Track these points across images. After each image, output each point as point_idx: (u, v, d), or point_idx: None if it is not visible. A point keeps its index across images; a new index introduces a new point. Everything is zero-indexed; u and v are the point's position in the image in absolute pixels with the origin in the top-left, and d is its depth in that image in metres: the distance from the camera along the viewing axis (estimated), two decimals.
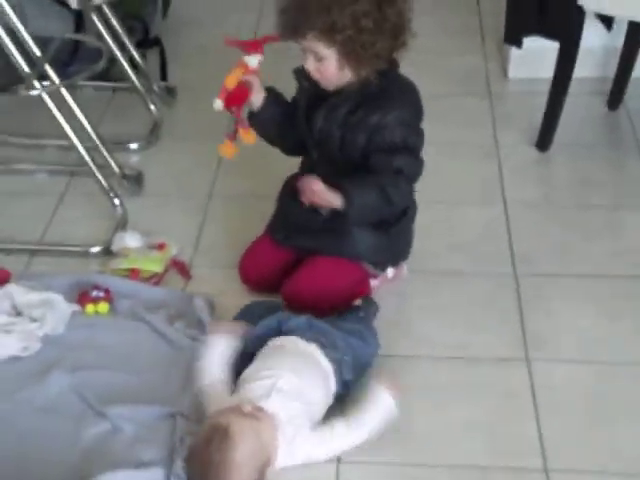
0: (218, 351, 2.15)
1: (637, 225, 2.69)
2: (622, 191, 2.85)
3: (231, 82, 2.29)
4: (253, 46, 2.31)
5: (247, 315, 2.28)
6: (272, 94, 2.37)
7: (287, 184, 2.49)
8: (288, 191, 2.45)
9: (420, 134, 2.34)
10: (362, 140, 2.27)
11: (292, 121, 2.38)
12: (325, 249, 2.36)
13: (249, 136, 2.37)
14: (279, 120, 2.39)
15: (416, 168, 2.32)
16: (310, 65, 2.24)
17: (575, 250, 2.59)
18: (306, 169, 2.42)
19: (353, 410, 2.06)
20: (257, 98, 2.34)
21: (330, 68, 2.22)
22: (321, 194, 2.23)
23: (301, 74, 2.33)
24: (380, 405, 2.06)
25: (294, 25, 2.19)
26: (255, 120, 2.38)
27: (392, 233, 2.34)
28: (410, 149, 2.30)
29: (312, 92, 2.32)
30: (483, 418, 2.12)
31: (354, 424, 2.03)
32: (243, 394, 2.03)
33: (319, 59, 2.22)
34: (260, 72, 2.33)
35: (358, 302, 2.31)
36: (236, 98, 2.31)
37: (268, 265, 2.43)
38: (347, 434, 2.02)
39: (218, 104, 2.29)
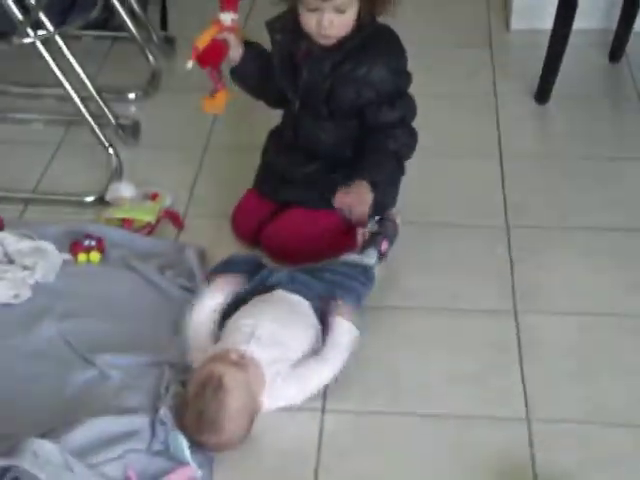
0: (210, 303, 2.14)
1: (635, 177, 2.66)
2: (621, 143, 2.82)
3: (202, 41, 2.26)
4: (227, 3, 2.29)
5: (227, 267, 2.26)
6: (251, 49, 2.34)
7: (271, 137, 2.48)
8: (272, 145, 2.44)
9: (408, 74, 2.35)
10: (351, 93, 2.26)
11: (272, 74, 2.35)
12: (310, 201, 2.35)
13: (219, 98, 2.36)
14: (259, 74, 2.36)
15: (413, 107, 2.36)
16: (326, 19, 2.19)
17: (569, 203, 2.56)
18: (288, 122, 2.41)
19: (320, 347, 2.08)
20: (234, 54, 2.32)
21: (349, 19, 2.20)
22: (365, 210, 2.25)
23: (274, 27, 2.32)
24: (341, 333, 2.08)
25: None
26: (235, 76, 2.37)
27: (379, 186, 2.31)
28: (404, 93, 2.33)
29: (284, 46, 2.30)
30: (470, 369, 2.11)
31: (323, 358, 2.05)
32: (225, 341, 2.03)
33: (342, 10, 2.19)
34: (239, 28, 2.31)
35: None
36: (209, 57, 2.29)
37: (256, 217, 2.41)
38: (321, 369, 2.04)
39: (189, 64, 2.26)
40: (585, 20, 2.98)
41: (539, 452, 1.92)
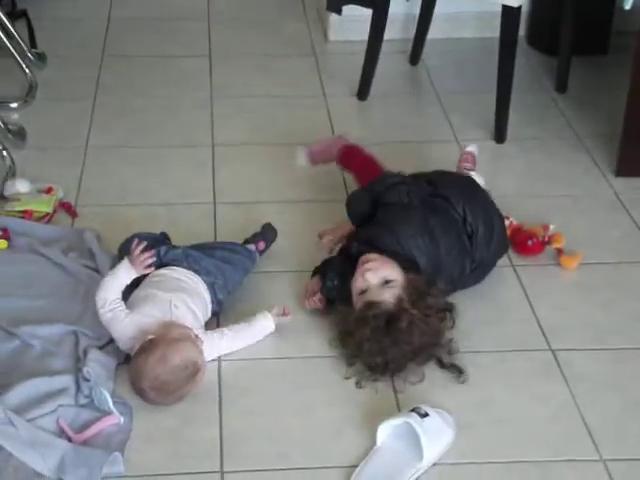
0: (121, 280, 2.04)
1: (438, 156, 2.74)
2: (425, 130, 2.95)
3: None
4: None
5: (127, 247, 2.20)
6: None
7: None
8: None
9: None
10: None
11: None
12: None
13: None
14: None
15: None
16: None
17: None
18: None
19: (241, 322, 2.10)
20: None
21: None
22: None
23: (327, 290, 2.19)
24: (263, 325, 2.10)
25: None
26: None
27: None
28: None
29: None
30: (330, 318, 2.17)
31: (239, 333, 2.08)
32: (148, 313, 2.01)
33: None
34: None
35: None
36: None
37: None
38: (234, 338, 2.07)
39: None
40: (389, 32, 3.07)
41: None
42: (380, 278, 2.04)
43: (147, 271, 2.06)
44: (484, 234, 2.18)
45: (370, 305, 2.01)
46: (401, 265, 2.07)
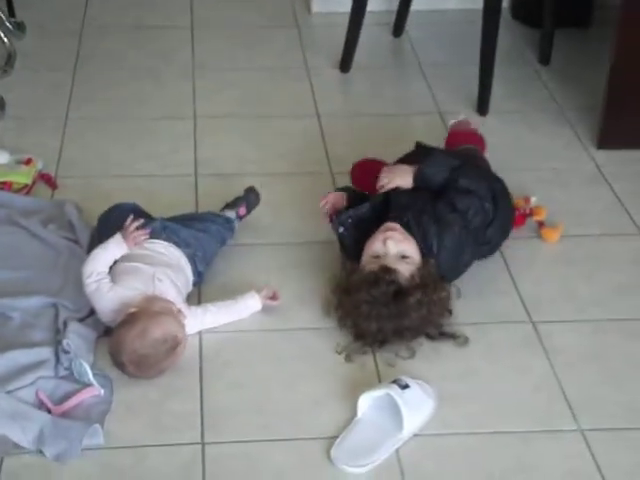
0: (111, 254, 2.03)
1: (421, 128, 2.73)
2: (407, 102, 2.92)
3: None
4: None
5: (113, 212, 2.20)
6: None
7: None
8: None
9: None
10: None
11: None
12: None
13: None
14: None
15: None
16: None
17: (375, 148, 2.55)
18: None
19: (228, 299, 2.08)
20: None
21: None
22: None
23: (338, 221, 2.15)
24: (249, 305, 2.09)
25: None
26: None
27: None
28: None
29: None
30: (313, 291, 2.17)
31: (223, 309, 2.06)
32: (131, 286, 1.99)
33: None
34: None
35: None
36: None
37: None
38: (217, 313, 2.06)
39: None
40: (372, 3, 3.05)
41: None
42: (399, 250, 2.01)
43: (137, 248, 2.04)
44: (497, 243, 2.21)
45: (386, 270, 1.97)
46: (421, 250, 2.05)
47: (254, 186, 2.34)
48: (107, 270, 2.01)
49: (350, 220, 2.13)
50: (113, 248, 2.02)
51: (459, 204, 2.09)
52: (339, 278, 2.07)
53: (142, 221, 2.05)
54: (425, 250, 2.05)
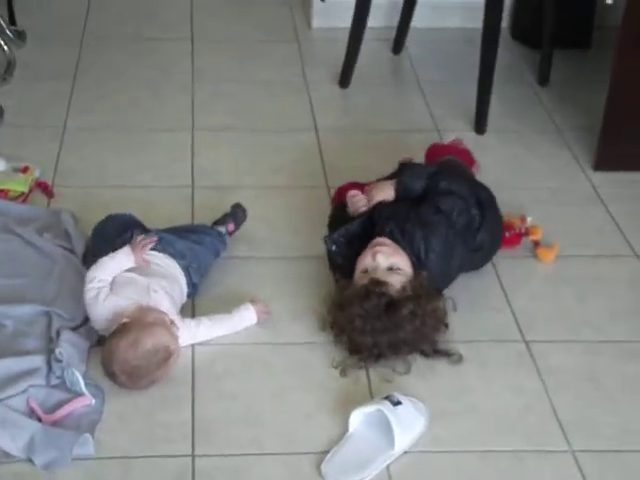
0: (118, 263, 2.03)
1: (419, 145, 2.68)
2: (405, 119, 2.93)
3: None
4: None
5: (102, 230, 2.21)
6: None
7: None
8: None
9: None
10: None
11: None
12: None
13: None
14: None
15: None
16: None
17: (372, 164, 2.55)
18: None
19: (223, 312, 2.08)
20: None
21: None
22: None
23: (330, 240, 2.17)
24: (244, 318, 2.09)
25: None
26: None
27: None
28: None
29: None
30: (307, 305, 2.17)
31: (217, 322, 2.06)
32: (126, 296, 1.99)
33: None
34: None
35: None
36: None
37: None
38: (211, 326, 2.05)
39: None
40: (372, 19, 3.06)
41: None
42: (390, 263, 2.02)
43: (143, 263, 2.04)
44: (490, 249, 2.22)
45: (376, 282, 1.98)
46: (412, 262, 2.05)
47: (240, 202, 2.35)
48: (110, 279, 2.01)
49: (342, 239, 2.14)
50: (121, 259, 2.02)
51: (442, 205, 2.11)
52: (333, 295, 2.08)
53: (155, 240, 2.06)
54: (415, 259, 2.06)
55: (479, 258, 2.22)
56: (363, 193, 2.22)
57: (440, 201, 2.12)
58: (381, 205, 2.16)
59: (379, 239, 2.07)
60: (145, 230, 2.18)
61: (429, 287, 2.03)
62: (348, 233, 2.15)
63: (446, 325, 2.06)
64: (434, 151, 2.52)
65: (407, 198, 2.17)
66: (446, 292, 2.13)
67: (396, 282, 1.99)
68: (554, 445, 1.86)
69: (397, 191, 2.19)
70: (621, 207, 2.55)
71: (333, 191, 2.50)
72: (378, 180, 2.30)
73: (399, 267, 2.02)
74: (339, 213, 2.26)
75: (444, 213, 2.10)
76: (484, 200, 2.19)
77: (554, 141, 2.84)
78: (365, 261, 2.04)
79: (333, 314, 2.05)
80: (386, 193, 2.19)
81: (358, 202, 2.20)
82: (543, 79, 3.13)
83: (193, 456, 1.80)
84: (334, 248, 2.15)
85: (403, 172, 2.24)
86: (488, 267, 2.30)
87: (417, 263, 2.06)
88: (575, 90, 3.10)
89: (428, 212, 2.10)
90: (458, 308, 2.12)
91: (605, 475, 1.81)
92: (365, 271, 2.02)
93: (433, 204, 2.12)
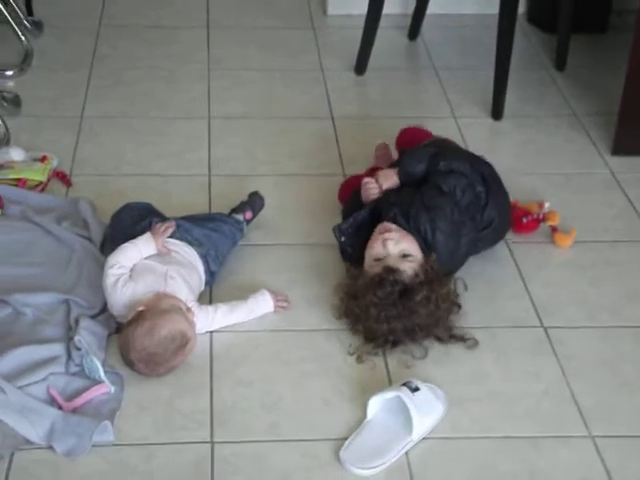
0: (139, 250, 2.04)
1: (435, 132, 2.67)
2: (422, 106, 2.92)
3: None
4: None
5: (120, 218, 2.21)
6: None
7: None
8: None
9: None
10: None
11: None
12: None
13: None
14: None
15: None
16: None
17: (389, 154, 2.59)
18: None
19: (239, 299, 2.08)
20: None
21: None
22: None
23: (339, 231, 2.17)
24: (260, 304, 2.08)
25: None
26: None
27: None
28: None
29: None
30: (323, 292, 2.16)
31: (235, 308, 2.06)
32: (144, 283, 1.99)
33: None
34: None
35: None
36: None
37: None
38: (229, 312, 2.05)
39: None
40: (388, 6, 3.04)
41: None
42: (400, 249, 2.02)
43: (164, 249, 2.05)
44: (499, 225, 2.19)
45: (390, 270, 1.98)
46: (420, 246, 2.05)
47: (258, 190, 2.34)
48: (130, 265, 2.02)
49: (350, 229, 2.15)
50: (142, 245, 2.03)
51: (444, 186, 2.11)
52: (345, 285, 2.08)
53: (173, 228, 2.07)
54: (422, 242, 2.05)
55: (490, 236, 2.20)
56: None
57: (442, 181, 2.12)
58: (387, 192, 2.17)
59: (385, 224, 2.07)
60: (163, 218, 2.18)
61: (439, 270, 2.02)
62: (356, 222, 2.15)
63: (459, 306, 2.06)
64: (405, 133, 2.51)
65: (411, 183, 2.18)
66: (463, 277, 2.12)
67: (408, 269, 1.99)
68: (573, 431, 1.86)
69: (400, 177, 2.20)
70: (639, 192, 2.54)
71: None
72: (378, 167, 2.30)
73: (410, 253, 2.02)
74: (354, 201, 2.26)
75: (447, 193, 2.11)
76: (487, 176, 2.18)
77: (571, 126, 2.82)
78: (375, 249, 2.03)
79: (346, 303, 2.05)
80: (391, 180, 2.20)
81: (371, 189, 2.20)
82: (560, 64, 3.11)
83: (212, 443, 1.81)
84: (343, 239, 2.15)
85: (403, 158, 2.26)
86: (505, 253, 2.30)
87: (425, 246, 2.05)
88: (592, 74, 3.08)
89: (431, 194, 2.11)
90: (476, 294, 2.11)
91: (625, 460, 1.80)
92: (377, 259, 2.02)
93: (435, 185, 2.12)
